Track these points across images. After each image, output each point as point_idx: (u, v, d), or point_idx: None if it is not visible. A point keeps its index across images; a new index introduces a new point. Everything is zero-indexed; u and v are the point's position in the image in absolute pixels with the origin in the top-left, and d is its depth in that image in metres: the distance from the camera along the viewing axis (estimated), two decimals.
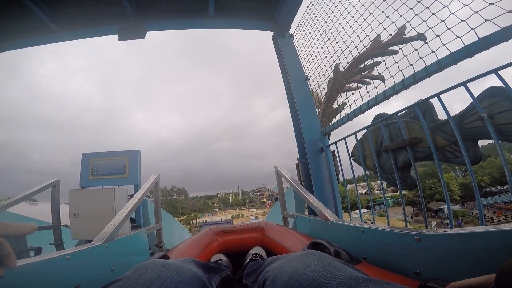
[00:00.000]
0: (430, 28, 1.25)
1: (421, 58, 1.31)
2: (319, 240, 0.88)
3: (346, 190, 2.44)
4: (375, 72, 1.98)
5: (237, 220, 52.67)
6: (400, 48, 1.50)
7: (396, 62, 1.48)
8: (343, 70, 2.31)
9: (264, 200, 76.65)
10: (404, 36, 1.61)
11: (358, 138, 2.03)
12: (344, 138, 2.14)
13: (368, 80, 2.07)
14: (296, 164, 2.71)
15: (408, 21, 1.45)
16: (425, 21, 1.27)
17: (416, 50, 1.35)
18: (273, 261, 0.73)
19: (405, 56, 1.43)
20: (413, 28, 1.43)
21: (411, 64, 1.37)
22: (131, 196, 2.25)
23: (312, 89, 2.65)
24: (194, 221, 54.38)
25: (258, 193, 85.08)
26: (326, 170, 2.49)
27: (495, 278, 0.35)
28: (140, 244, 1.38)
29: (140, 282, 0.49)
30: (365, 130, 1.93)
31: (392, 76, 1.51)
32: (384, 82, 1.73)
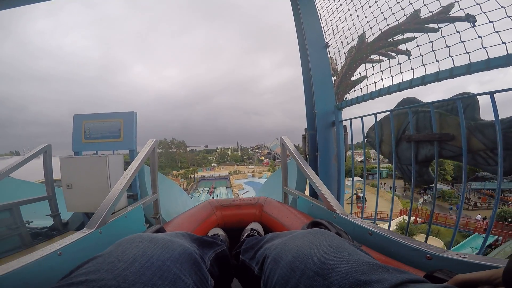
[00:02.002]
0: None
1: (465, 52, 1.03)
2: (320, 220, 0.83)
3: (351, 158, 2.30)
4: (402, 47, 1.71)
5: (234, 177, 54.62)
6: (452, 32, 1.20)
7: (448, 46, 1.21)
8: (369, 41, 2.01)
9: (262, 158, 78.38)
10: (450, 15, 1.32)
11: (378, 119, 1.84)
12: (362, 117, 1.95)
13: (393, 54, 1.80)
14: (303, 135, 2.56)
15: None
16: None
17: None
18: (273, 238, 0.70)
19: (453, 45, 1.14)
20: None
21: (469, 52, 1.09)
22: (127, 164, 2.15)
23: (330, 57, 2.36)
24: (192, 176, 56.11)
25: (257, 151, 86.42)
26: (334, 146, 2.36)
27: (502, 273, 0.35)
28: (136, 220, 1.30)
29: (122, 259, 0.44)
30: (385, 112, 1.74)
31: (437, 61, 1.26)
32: (409, 58, 1.52)
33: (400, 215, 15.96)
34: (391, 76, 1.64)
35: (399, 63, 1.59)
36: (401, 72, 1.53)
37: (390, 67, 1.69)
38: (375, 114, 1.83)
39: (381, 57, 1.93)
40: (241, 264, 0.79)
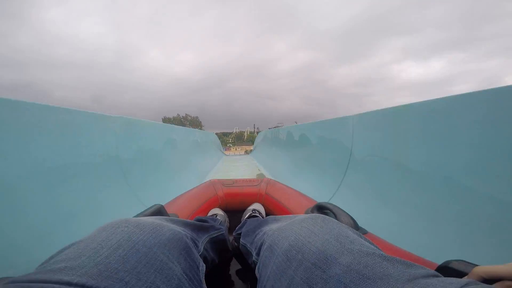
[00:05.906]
0: None
1: None
2: (324, 204, 0.79)
3: None
4: None
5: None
6: None
7: None
8: None
9: None
10: None
11: None
12: None
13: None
14: None
15: None
16: None
17: None
18: (272, 221, 0.64)
19: None
20: None
21: None
22: None
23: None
24: None
25: None
26: None
27: None
28: None
29: (105, 245, 0.38)
30: None
31: None
32: None
33: None
34: None
35: None
36: None
37: None
38: None
39: None
40: (242, 247, 0.73)
